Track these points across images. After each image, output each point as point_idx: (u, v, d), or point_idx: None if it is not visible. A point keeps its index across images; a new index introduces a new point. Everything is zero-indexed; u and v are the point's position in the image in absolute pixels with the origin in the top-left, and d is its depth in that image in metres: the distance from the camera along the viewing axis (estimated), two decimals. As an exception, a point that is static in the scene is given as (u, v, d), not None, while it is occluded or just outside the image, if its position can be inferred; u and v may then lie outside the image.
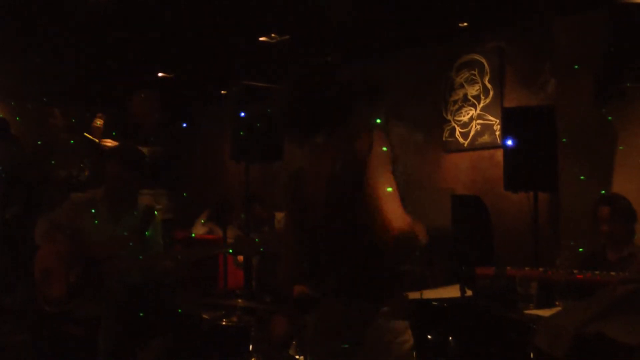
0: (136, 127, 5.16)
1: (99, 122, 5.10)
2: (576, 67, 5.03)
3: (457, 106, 6.29)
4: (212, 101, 8.52)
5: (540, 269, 3.58)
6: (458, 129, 6.26)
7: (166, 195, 5.18)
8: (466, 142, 6.18)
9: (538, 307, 3.24)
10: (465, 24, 5.73)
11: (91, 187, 4.30)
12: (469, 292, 3.50)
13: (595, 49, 4.72)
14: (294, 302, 3.77)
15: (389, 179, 2.01)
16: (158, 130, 5.13)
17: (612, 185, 4.96)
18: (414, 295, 3.40)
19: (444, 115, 6.38)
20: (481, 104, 6.08)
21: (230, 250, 4.50)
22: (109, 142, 5.05)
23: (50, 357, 3.61)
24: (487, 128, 6.00)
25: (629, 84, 4.34)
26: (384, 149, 2.07)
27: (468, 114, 6.18)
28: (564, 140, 4.81)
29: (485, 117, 6.02)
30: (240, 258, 5.99)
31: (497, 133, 5.86)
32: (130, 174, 3.78)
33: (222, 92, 7.89)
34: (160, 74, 7.55)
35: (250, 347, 3.42)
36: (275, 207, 6.38)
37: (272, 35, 5.98)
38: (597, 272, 3.47)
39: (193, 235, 7.18)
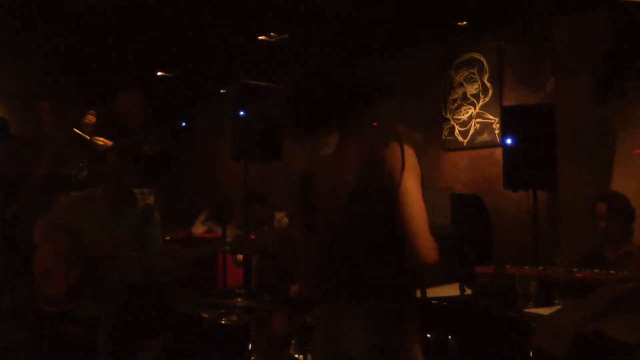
0: (122, 127, 5.14)
1: (90, 119, 5.08)
2: (575, 66, 5.03)
3: (456, 105, 6.29)
4: (211, 100, 8.52)
5: (540, 268, 3.58)
6: (457, 128, 6.26)
7: (153, 195, 5.16)
8: (465, 141, 6.18)
9: (538, 306, 3.24)
10: (465, 22, 5.73)
11: (90, 186, 4.30)
12: (468, 291, 3.50)
13: (594, 48, 4.72)
14: (292, 301, 3.78)
15: (420, 197, 2.02)
16: (145, 131, 5.10)
17: (611, 184, 4.96)
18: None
19: (443, 114, 6.38)
20: (480, 103, 6.08)
21: (227, 249, 4.51)
22: (101, 140, 5.03)
23: (50, 356, 3.61)
24: (486, 127, 6.01)
25: (628, 83, 4.35)
26: (416, 160, 2.06)
27: (467, 112, 6.18)
28: (566, 138, 4.80)
29: (485, 116, 6.02)
30: (240, 257, 5.99)
31: (497, 132, 5.86)
32: (129, 172, 3.78)
33: (222, 91, 7.89)
34: (159, 73, 7.55)
35: (250, 346, 3.42)
36: (275, 207, 6.37)
37: (272, 34, 5.98)
38: (596, 271, 3.46)
39: (192, 234, 7.18)
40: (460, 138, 6.23)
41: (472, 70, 6.14)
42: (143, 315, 3.61)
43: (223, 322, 3.65)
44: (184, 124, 8.92)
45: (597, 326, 1.91)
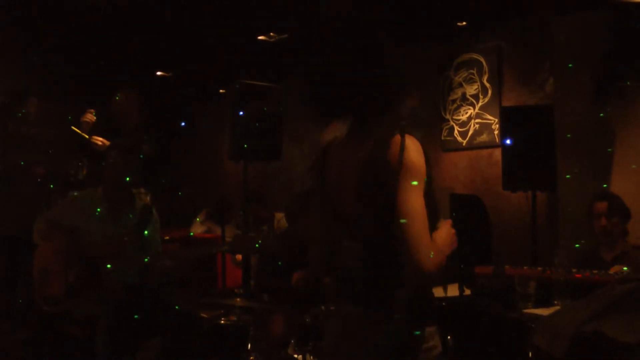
0: (118, 127, 5.13)
1: (89, 117, 5.07)
2: (573, 66, 5.03)
3: (455, 105, 6.29)
4: (211, 100, 8.52)
5: (539, 268, 3.58)
6: (457, 128, 6.26)
7: (150, 195, 5.14)
8: (465, 141, 6.18)
9: (537, 306, 3.24)
10: (464, 23, 5.73)
11: (89, 185, 4.29)
12: (467, 291, 3.50)
13: (594, 48, 4.73)
14: (293, 298, 3.77)
15: (417, 201, 1.88)
16: (142, 130, 5.09)
17: (610, 184, 4.96)
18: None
19: (443, 114, 6.39)
20: (480, 103, 6.08)
21: (227, 248, 4.51)
22: (100, 140, 5.02)
23: (48, 356, 3.61)
24: (485, 127, 6.01)
25: (628, 83, 4.35)
26: (417, 158, 1.92)
27: (466, 113, 6.18)
28: (568, 135, 4.80)
29: (484, 116, 6.02)
30: (239, 257, 5.99)
31: (496, 132, 5.86)
32: (129, 172, 3.78)
33: (221, 91, 7.89)
34: (159, 73, 7.55)
35: (249, 346, 3.41)
36: (275, 207, 6.37)
37: (271, 34, 5.98)
38: (595, 272, 3.47)
39: (191, 234, 7.17)
40: (459, 138, 6.23)
41: (471, 71, 6.14)
42: (142, 315, 3.61)
43: (222, 322, 3.64)
44: (183, 123, 8.92)
45: (597, 326, 1.91)
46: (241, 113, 4.86)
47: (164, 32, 5.99)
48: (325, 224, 2.14)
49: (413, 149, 1.92)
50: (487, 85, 6.01)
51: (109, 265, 3.55)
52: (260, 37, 6.05)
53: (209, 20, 5.60)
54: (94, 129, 5.08)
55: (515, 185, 4.85)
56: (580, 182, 4.89)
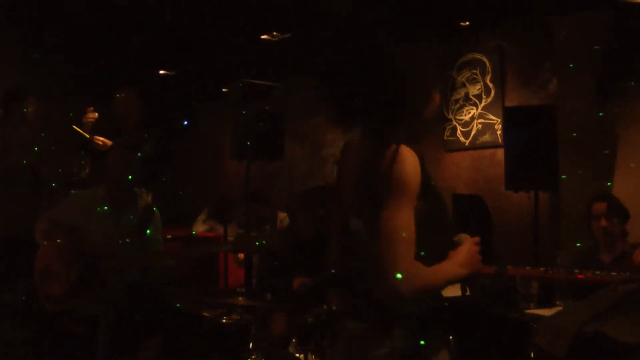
0: (119, 126, 5.13)
1: (90, 117, 5.06)
2: (575, 66, 5.03)
3: (458, 105, 6.28)
4: (213, 99, 8.52)
5: (541, 269, 3.57)
6: (459, 128, 6.25)
7: (151, 194, 5.14)
8: (467, 141, 6.17)
9: (539, 307, 3.24)
10: (467, 23, 5.72)
11: (91, 184, 4.29)
12: (469, 291, 3.50)
13: (596, 48, 4.72)
14: (295, 297, 3.77)
15: (404, 216, 1.74)
16: (142, 130, 5.09)
17: (613, 184, 4.95)
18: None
19: (445, 114, 6.38)
20: (482, 103, 6.07)
21: (229, 248, 4.50)
22: (101, 140, 5.01)
23: (50, 355, 3.61)
24: (488, 127, 6.00)
25: (630, 83, 4.35)
26: (409, 172, 1.78)
27: (469, 113, 6.17)
28: (575, 134, 4.78)
29: (487, 117, 6.02)
30: (241, 256, 5.99)
31: (498, 132, 5.85)
32: (131, 171, 3.78)
33: (223, 90, 7.89)
34: (161, 72, 7.55)
35: (251, 345, 3.42)
36: (277, 207, 6.37)
37: (274, 33, 5.98)
38: (597, 272, 3.46)
39: (194, 233, 7.18)
40: (462, 138, 6.22)
41: (474, 71, 6.14)
42: (143, 314, 3.61)
43: (224, 321, 3.65)
44: (185, 122, 8.92)
45: (598, 327, 1.91)
46: (243, 112, 4.86)
47: (165, 31, 5.99)
48: (338, 224, 2.01)
49: (407, 163, 1.78)
50: (490, 85, 6.00)
51: (109, 266, 3.56)
52: (262, 37, 6.05)
53: (211, 19, 5.59)
54: (95, 129, 5.08)
55: (517, 185, 4.84)
56: (582, 182, 4.88)
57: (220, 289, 6.03)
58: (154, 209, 3.90)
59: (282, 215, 6.16)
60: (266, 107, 4.83)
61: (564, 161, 4.78)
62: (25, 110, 5.10)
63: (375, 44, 2.05)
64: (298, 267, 4.05)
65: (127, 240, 3.67)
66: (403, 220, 1.73)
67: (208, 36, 6.11)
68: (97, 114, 5.08)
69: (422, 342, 1.83)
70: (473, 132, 6.12)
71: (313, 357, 3.31)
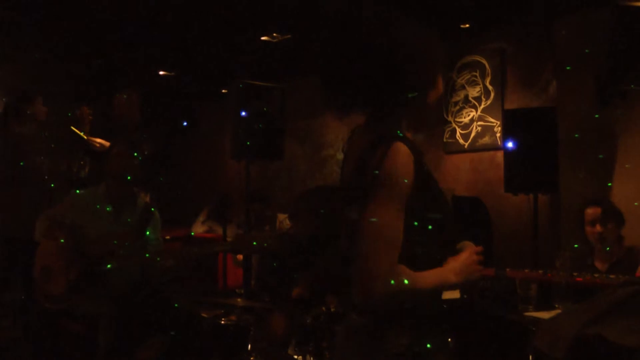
0: (119, 127, 5.13)
1: (85, 115, 5.06)
2: (576, 68, 5.03)
3: (457, 107, 6.29)
4: (213, 100, 8.52)
5: (540, 271, 3.58)
6: (459, 130, 6.26)
7: (149, 194, 5.14)
8: (467, 144, 6.18)
9: (538, 309, 3.24)
10: (467, 25, 5.72)
11: (92, 183, 4.30)
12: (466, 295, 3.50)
13: (596, 51, 4.72)
14: (293, 301, 3.77)
15: (389, 215, 1.65)
16: (142, 130, 5.10)
17: (612, 187, 4.96)
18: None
19: (445, 116, 6.38)
20: (482, 106, 6.08)
21: (228, 248, 4.50)
22: (98, 142, 5.02)
23: (49, 353, 3.61)
24: (487, 129, 6.00)
25: (631, 86, 4.34)
26: (400, 169, 1.68)
27: (469, 115, 6.18)
28: (576, 135, 4.78)
29: (486, 119, 6.02)
30: (240, 257, 5.99)
31: (498, 135, 5.86)
32: (131, 171, 3.79)
33: (223, 90, 7.89)
34: (161, 72, 7.55)
35: (249, 346, 3.42)
36: (279, 208, 6.38)
37: (274, 34, 5.98)
38: (596, 275, 3.47)
39: (192, 233, 7.18)
40: (461, 141, 6.23)
41: (474, 73, 6.14)
42: (142, 314, 3.61)
43: (223, 321, 3.64)
44: (185, 123, 8.92)
45: (598, 330, 1.90)
46: (243, 113, 4.86)
47: (166, 32, 5.99)
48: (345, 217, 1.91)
49: (398, 160, 1.69)
50: (490, 87, 6.01)
51: (109, 265, 3.56)
52: (262, 38, 6.05)
53: (211, 20, 5.60)
54: (95, 129, 5.09)
55: (517, 187, 4.85)
56: (582, 185, 4.89)
57: (219, 290, 6.03)
58: (152, 209, 3.90)
59: (282, 217, 6.16)
60: (265, 108, 4.83)
61: (564, 163, 4.79)
62: (33, 111, 5.12)
63: (374, 28, 1.91)
64: (297, 268, 4.05)
65: (127, 240, 3.67)
66: (390, 216, 1.65)
67: (208, 36, 6.12)
68: (90, 110, 5.07)
69: (428, 345, 1.79)
70: (472, 135, 6.13)
71: (312, 358, 3.31)
